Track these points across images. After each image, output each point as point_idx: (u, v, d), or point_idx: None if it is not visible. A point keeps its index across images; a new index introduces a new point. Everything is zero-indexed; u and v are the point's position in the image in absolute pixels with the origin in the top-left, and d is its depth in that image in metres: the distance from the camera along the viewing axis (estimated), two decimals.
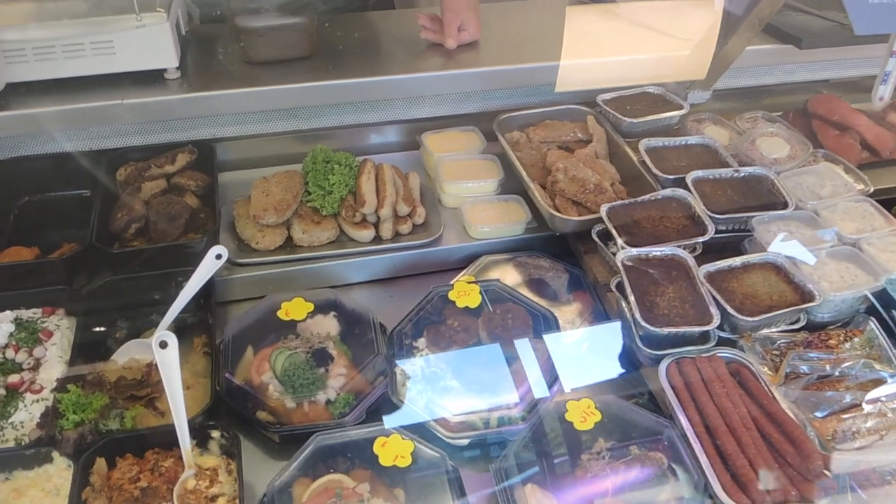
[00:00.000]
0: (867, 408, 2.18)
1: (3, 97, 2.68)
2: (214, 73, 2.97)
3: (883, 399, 2.20)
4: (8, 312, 2.43)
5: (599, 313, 2.64)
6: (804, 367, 2.28)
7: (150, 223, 2.64)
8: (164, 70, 2.81)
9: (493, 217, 2.88)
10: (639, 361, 2.40)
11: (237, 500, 2.04)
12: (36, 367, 2.31)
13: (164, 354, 2.13)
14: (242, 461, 2.12)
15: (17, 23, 2.64)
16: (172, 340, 2.15)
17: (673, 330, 2.29)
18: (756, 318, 2.31)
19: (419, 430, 2.20)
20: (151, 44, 2.71)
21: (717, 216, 2.62)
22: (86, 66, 2.69)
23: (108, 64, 2.71)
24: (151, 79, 2.81)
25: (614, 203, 2.67)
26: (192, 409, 2.19)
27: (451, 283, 2.58)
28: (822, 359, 2.29)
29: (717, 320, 2.30)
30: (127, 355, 2.43)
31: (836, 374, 2.27)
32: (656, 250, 2.50)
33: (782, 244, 2.57)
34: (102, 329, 2.50)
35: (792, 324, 2.41)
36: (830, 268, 2.51)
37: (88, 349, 2.41)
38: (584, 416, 2.20)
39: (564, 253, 2.85)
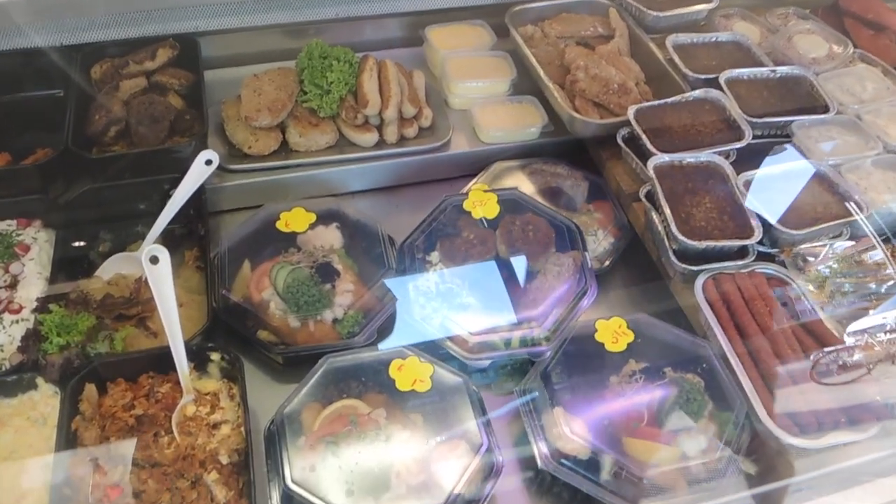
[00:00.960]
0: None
1: None
2: None
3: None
4: None
5: (623, 225, 2.45)
6: (848, 285, 2.12)
7: (130, 126, 2.38)
8: None
9: (505, 120, 2.65)
10: (669, 277, 2.23)
11: (241, 428, 1.87)
12: (13, 285, 2.09)
13: (155, 270, 1.92)
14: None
15: None
16: (164, 255, 1.94)
17: (711, 244, 2.11)
18: (801, 232, 2.14)
19: (433, 352, 2.03)
20: None
21: (755, 120, 2.41)
22: None
23: None
24: None
25: (642, 104, 2.45)
26: (188, 329, 2.00)
27: (465, 191, 2.37)
28: (868, 276, 2.13)
29: (759, 233, 2.12)
30: (112, 271, 2.22)
31: (882, 291, 2.11)
32: (690, 156, 2.30)
33: (824, 151, 2.38)
34: (84, 243, 2.29)
35: (835, 237, 2.23)
36: (876, 178, 2.33)
37: (69, 265, 2.20)
38: (615, 337, 2.04)
39: (582, 160, 2.64)
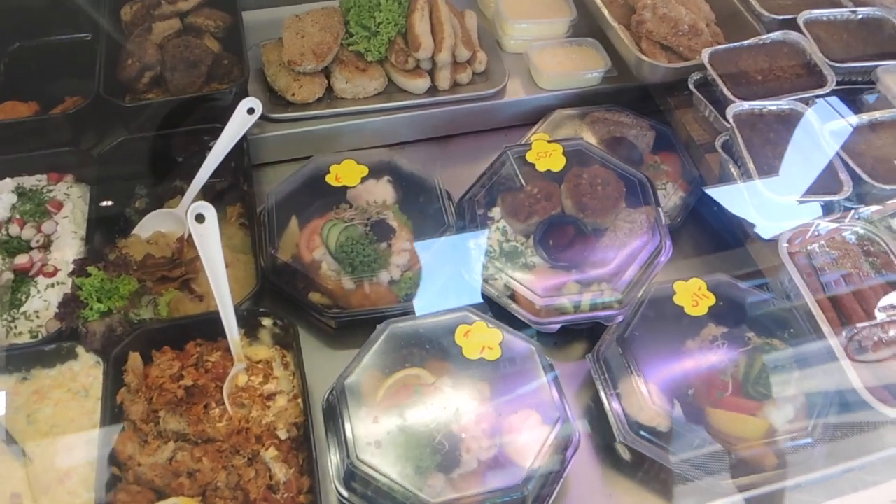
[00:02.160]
0: None
1: None
2: None
3: None
4: (8, 180, 2.06)
5: (693, 178, 2.28)
6: None
7: (165, 71, 2.22)
8: None
9: (565, 64, 2.48)
10: (748, 235, 2.07)
11: (298, 399, 1.75)
12: (46, 246, 1.96)
13: (200, 229, 1.79)
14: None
15: None
16: (210, 212, 1.80)
17: (798, 199, 1.95)
18: (892, 187, 1.97)
19: (498, 316, 1.89)
20: None
21: (837, 65, 2.22)
22: None
23: None
24: None
25: (716, 47, 2.26)
26: (235, 292, 1.85)
27: (527, 141, 2.21)
28: None
29: (848, 188, 1.96)
30: (150, 229, 2.09)
31: None
32: (772, 104, 2.12)
33: None
34: (119, 199, 2.14)
35: None
36: None
37: (105, 223, 2.06)
38: (695, 299, 1.89)
39: (647, 108, 2.46)
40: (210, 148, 2.11)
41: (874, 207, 2.02)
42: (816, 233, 1.97)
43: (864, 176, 1.98)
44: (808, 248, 1.94)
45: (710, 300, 1.90)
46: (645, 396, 1.74)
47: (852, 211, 2.02)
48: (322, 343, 2.01)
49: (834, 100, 2.20)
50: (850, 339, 1.79)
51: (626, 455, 1.84)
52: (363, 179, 2.12)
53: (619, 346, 1.83)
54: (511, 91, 2.45)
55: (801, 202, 1.97)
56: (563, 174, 2.12)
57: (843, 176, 1.99)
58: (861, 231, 1.98)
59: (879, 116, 2.15)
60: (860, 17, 2.41)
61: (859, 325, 1.81)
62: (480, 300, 1.97)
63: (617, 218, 2.05)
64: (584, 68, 2.47)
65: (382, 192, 2.14)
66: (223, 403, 1.73)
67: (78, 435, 1.70)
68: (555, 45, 2.53)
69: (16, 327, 1.82)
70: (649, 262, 1.99)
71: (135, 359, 1.74)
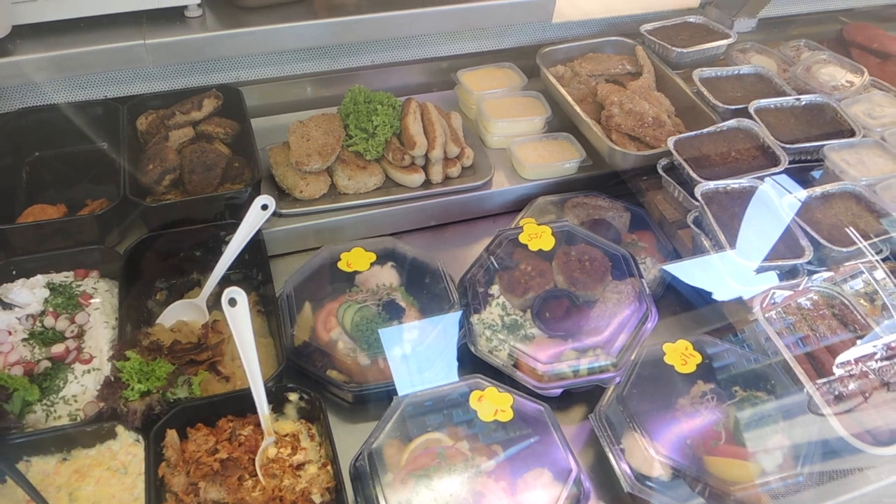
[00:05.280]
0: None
1: (9, 41, 2.38)
2: (231, 10, 2.69)
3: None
4: (39, 276, 2.19)
5: (668, 252, 2.50)
6: None
7: (184, 174, 2.40)
8: (185, 7, 2.54)
9: (544, 156, 2.71)
10: (720, 299, 2.28)
11: (328, 467, 1.87)
12: (80, 335, 2.09)
13: (234, 312, 1.94)
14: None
15: None
16: (241, 297, 1.95)
17: (766, 264, 2.17)
18: (849, 249, 2.21)
19: (502, 383, 2.04)
20: None
21: (788, 146, 2.50)
22: (101, 4, 2.40)
23: (124, 1, 2.43)
24: (171, 17, 2.54)
25: (680, 136, 2.53)
26: None
27: (518, 225, 2.42)
28: None
29: (810, 252, 2.19)
30: (173, 318, 2.22)
31: None
32: (734, 182, 2.38)
33: (856, 172, 2.47)
34: (141, 291, 2.27)
35: (878, 253, 2.30)
36: None
37: (132, 313, 2.19)
38: (683, 359, 2.08)
39: (619, 192, 2.69)
40: (226, 242, 2.28)
41: (830, 273, 2.26)
42: (784, 294, 2.18)
43: (822, 241, 2.22)
44: (781, 308, 2.15)
45: (697, 358, 2.08)
46: (648, 450, 1.89)
47: (815, 274, 2.24)
48: (339, 417, 2.13)
49: (785, 177, 2.47)
50: (825, 389, 1.99)
51: None
52: (371, 265, 2.30)
53: (620, 405, 1.99)
54: (497, 182, 2.68)
55: (768, 268, 2.19)
56: (553, 253, 2.32)
57: (804, 242, 2.22)
58: (824, 291, 2.20)
59: (830, 189, 2.41)
60: (804, 103, 2.71)
61: (833, 375, 2.02)
62: (487, 370, 2.12)
63: (605, 290, 2.25)
64: (562, 159, 2.71)
65: (388, 276, 2.32)
66: (255, 475, 1.84)
67: None
68: (534, 139, 2.77)
69: (55, 411, 1.93)
70: (638, 327, 2.17)
71: (172, 435, 1.86)
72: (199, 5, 2.55)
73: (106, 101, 2.60)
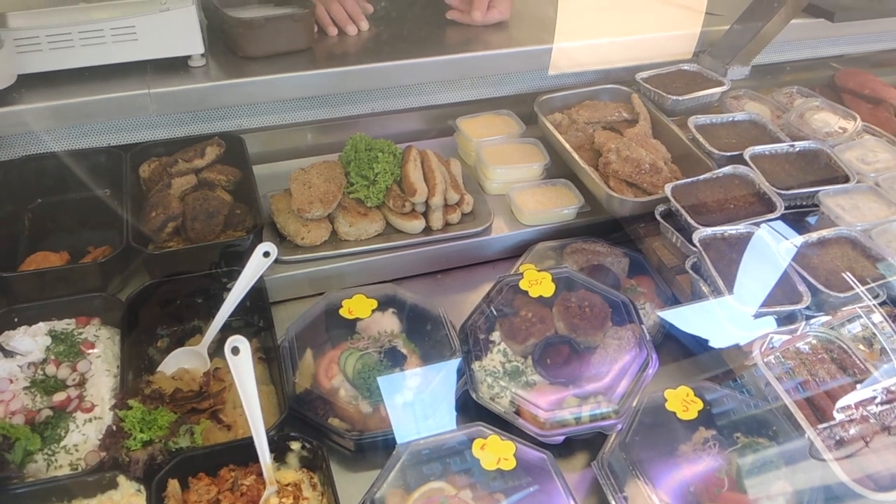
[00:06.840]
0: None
1: (15, 90, 2.42)
2: (234, 59, 2.74)
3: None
4: (41, 324, 2.19)
5: (667, 298, 2.52)
6: None
7: (186, 221, 2.42)
8: (189, 57, 2.59)
9: (543, 202, 2.74)
10: (720, 345, 2.29)
11: None
12: (82, 383, 2.09)
13: (236, 360, 1.95)
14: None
15: (28, 8, 2.39)
16: (244, 345, 1.96)
17: (765, 310, 2.19)
18: (847, 294, 2.23)
19: (504, 430, 2.04)
20: (177, 28, 2.49)
21: (784, 192, 2.54)
22: (106, 55, 2.45)
23: (129, 51, 2.48)
24: (175, 67, 2.58)
25: (677, 182, 2.56)
26: None
27: (518, 272, 2.43)
28: None
29: (807, 298, 2.21)
30: (174, 366, 2.22)
31: None
32: (731, 228, 2.40)
33: (852, 218, 2.50)
34: (142, 339, 2.28)
35: (874, 298, 2.32)
36: None
37: (133, 361, 2.19)
38: (685, 405, 2.08)
39: (617, 237, 2.72)
40: (227, 289, 2.29)
41: (827, 318, 2.27)
42: (782, 339, 2.20)
43: (820, 287, 2.24)
44: (780, 352, 2.17)
45: (699, 405, 2.09)
46: (651, 498, 1.89)
47: (813, 319, 2.26)
48: (341, 465, 2.12)
49: (781, 223, 2.49)
50: (826, 434, 2.00)
51: None
52: (372, 312, 2.31)
53: (623, 452, 1.99)
54: (496, 228, 2.70)
55: (767, 313, 2.21)
56: (553, 299, 2.33)
57: (802, 288, 2.24)
58: (823, 336, 2.22)
59: (826, 234, 2.44)
60: (798, 149, 2.75)
61: (833, 420, 2.02)
62: (489, 417, 2.12)
63: (605, 336, 2.26)
64: (560, 205, 2.74)
65: (389, 322, 2.33)
66: None
67: None
68: (532, 186, 2.81)
69: (56, 461, 1.91)
70: (639, 374, 2.18)
71: (174, 485, 1.85)
72: (202, 55, 2.60)
73: (109, 149, 2.63)
